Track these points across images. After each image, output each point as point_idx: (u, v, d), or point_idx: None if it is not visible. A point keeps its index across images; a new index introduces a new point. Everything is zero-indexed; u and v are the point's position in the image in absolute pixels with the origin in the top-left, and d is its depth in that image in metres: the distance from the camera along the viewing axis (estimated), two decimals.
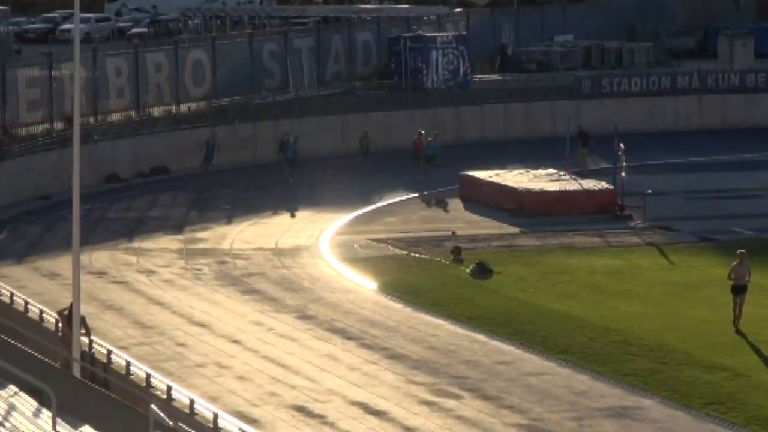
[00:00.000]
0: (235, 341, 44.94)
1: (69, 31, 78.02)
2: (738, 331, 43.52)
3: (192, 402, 32.81)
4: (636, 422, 36.98)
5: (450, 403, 38.39)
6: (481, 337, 44.76)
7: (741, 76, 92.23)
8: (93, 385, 31.71)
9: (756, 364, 42.38)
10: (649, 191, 64.96)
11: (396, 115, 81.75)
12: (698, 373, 41.22)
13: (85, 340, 37.91)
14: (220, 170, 71.92)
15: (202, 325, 46.67)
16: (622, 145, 66.00)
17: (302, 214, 64.98)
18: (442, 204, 63.33)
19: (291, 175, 66.74)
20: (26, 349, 30.18)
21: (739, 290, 44.04)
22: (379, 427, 36.49)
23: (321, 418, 37.15)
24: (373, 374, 41.26)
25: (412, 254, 56.93)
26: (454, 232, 59.08)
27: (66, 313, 37.67)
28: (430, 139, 67.33)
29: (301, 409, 37.57)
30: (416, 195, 70.43)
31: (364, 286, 52.81)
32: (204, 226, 62.48)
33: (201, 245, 59.58)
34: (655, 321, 47.01)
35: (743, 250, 45.55)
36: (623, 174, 65.24)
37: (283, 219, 64.55)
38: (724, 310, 47.67)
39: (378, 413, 37.55)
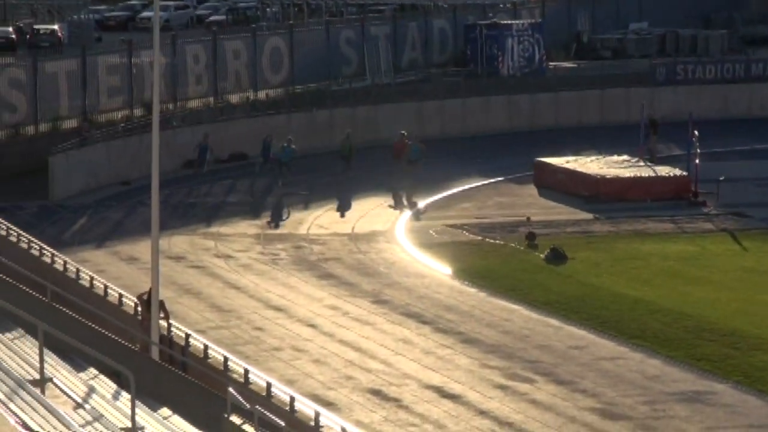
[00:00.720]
0: (312, 325, 45.25)
1: (149, 18, 78.41)
2: None
3: (269, 385, 33.02)
4: (708, 407, 37.14)
5: (524, 387, 38.73)
6: (554, 321, 44.99)
7: None
8: (171, 368, 33.19)
9: None
10: (722, 178, 64.77)
11: (471, 102, 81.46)
12: None
13: (163, 323, 38.49)
14: (301, 156, 70.93)
15: (278, 309, 47.06)
16: (696, 132, 65.96)
17: (377, 200, 65.11)
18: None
19: (285, 176, 62.95)
20: (106, 332, 30.84)
21: None
22: (453, 410, 36.92)
23: (396, 401, 37.56)
24: (448, 358, 41.66)
25: (487, 240, 57.10)
26: (528, 218, 59.09)
27: (145, 297, 38.43)
28: (410, 142, 64.06)
29: (376, 393, 38.05)
30: (492, 181, 69.88)
31: (439, 271, 52.92)
32: (281, 212, 63.00)
33: (278, 231, 59.87)
34: (728, 306, 47.03)
35: None
36: (697, 161, 65.12)
37: (359, 205, 64.34)
38: None
39: (453, 397, 37.96)
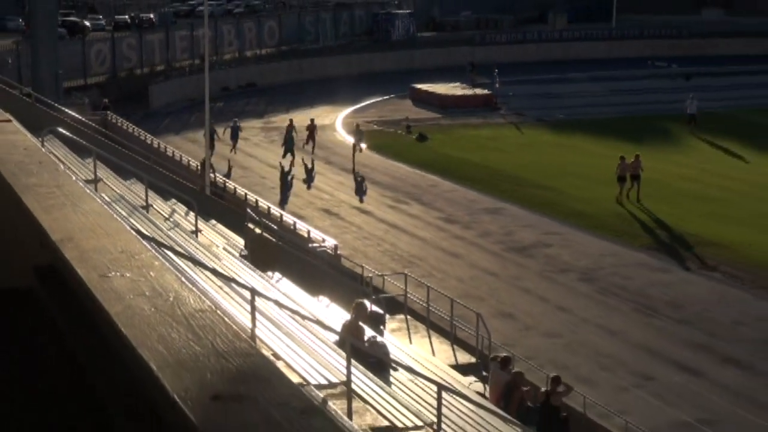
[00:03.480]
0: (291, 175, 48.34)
1: (201, 9, 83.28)
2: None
3: (269, 208, 35.39)
4: (502, 216, 41.07)
5: (403, 206, 42.39)
6: (421, 172, 48.36)
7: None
8: (216, 198, 35.94)
9: (570, 185, 45.59)
10: (511, 93, 69.10)
11: (375, 55, 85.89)
12: (533, 191, 44.99)
13: (212, 175, 40.49)
14: (287, 83, 73.79)
15: (272, 166, 49.59)
16: (497, 70, 69.70)
17: (325, 107, 66.88)
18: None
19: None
20: (181, 179, 32.56)
21: (624, 179, 42.62)
22: (366, 220, 40.59)
23: (337, 215, 40.94)
24: (363, 191, 45.11)
25: (384, 129, 60.03)
26: (407, 117, 61.74)
27: (201, 163, 40.60)
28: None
29: (326, 211, 41.63)
30: (388, 97, 71.92)
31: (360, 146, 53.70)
32: (274, 115, 65.12)
33: (273, 123, 61.98)
34: (513, 162, 50.25)
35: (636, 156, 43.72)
36: (497, 85, 69.38)
37: (320, 110, 65.98)
38: (555, 154, 51.76)
39: (367, 212, 41.70)
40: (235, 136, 51.19)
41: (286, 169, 49.58)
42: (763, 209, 40.50)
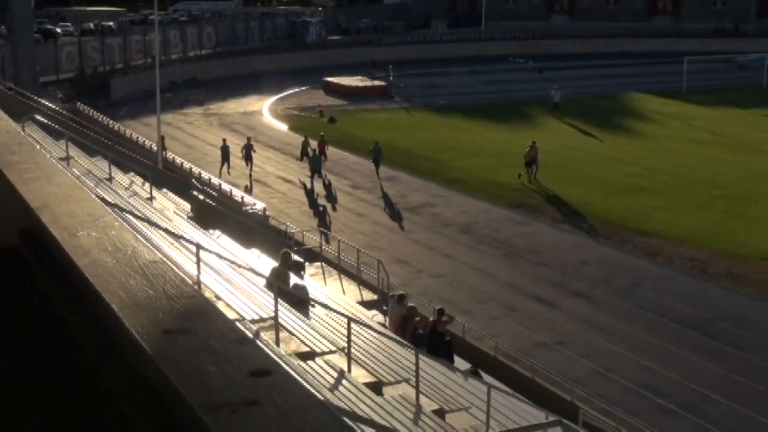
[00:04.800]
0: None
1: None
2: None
3: (209, 178, 35.79)
4: (397, 183, 40.59)
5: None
6: (332, 148, 44.92)
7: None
8: (167, 172, 35.19)
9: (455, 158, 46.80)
10: (402, 84, 69.00)
11: (294, 54, 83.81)
12: (422, 162, 44.33)
13: (165, 153, 40.27)
14: (227, 77, 72.43)
15: (211, 144, 48.26)
16: (391, 66, 71.07)
17: (254, 97, 65.80)
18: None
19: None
20: (138, 156, 31.73)
21: (530, 163, 40.53)
22: (291, 188, 40.19)
23: (265, 184, 40.30)
24: (284, 164, 44.33)
25: (302, 114, 59.06)
26: (320, 105, 60.90)
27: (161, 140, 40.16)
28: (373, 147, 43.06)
29: (257, 180, 40.70)
30: (305, 88, 70.77)
31: (281, 127, 55.24)
32: (213, 103, 64.12)
33: (212, 110, 61.45)
34: (405, 137, 49.91)
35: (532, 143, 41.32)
36: (391, 78, 69.54)
37: (250, 99, 65.47)
38: (438, 133, 51.43)
39: (289, 181, 41.18)
40: (248, 156, 41.83)
41: (315, 190, 40.40)
42: (601, 175, 41.13)
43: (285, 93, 69.15)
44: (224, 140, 42.92)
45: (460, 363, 18.72)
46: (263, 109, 62.49)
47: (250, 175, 41.52)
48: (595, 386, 20.68)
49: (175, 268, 2.49)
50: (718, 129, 53.46)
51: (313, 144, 43.38)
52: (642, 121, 56.63)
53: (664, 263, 29.68)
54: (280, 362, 2.86)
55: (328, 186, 40.67)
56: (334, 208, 37.12)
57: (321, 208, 37.21)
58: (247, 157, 41.64)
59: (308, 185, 40.47)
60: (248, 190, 39.24)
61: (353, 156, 46.39)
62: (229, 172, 40.79)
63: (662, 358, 22.49)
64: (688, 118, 57.33)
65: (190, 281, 2.43)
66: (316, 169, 40.88)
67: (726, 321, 24.91)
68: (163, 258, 2.51)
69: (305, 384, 2.89)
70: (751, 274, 28.57)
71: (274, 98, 66.62)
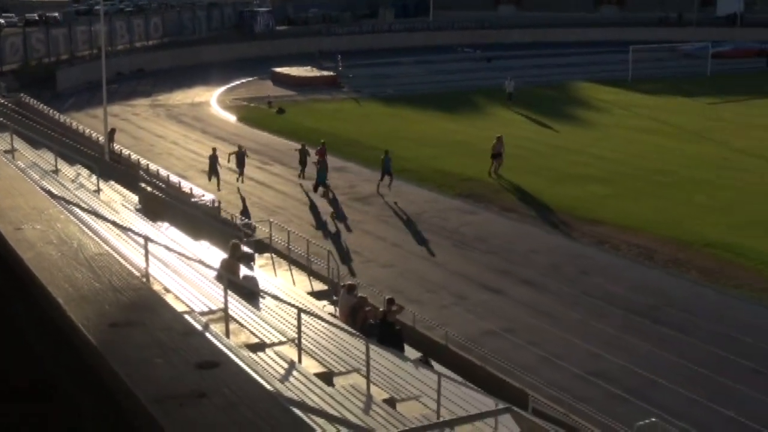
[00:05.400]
0: (174, 143, 47.56)
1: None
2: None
3: (158, 170, 35.50)
4: (346, 173, 40.29)
5: (271, 167, 41.93)
6: (281, 138, 47.74)
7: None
8: (114, 163, 35.27)
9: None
10: (351, 75, 69.22)
11: (242, 44, 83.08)
12: (371, 152, 43.42)
13: (112, 145, 40.12)
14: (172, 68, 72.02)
15: (159, 136, 49.15)
16: (339, 56, 70.79)
17: (202, 88, 65.66)
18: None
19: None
20: (84, 148, 30.78)
21: (496, 155, 39.48)
22: (225, 174, 39.43)
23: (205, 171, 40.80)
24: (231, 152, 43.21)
25: (251, 104, 58.92)
26: (269, 95, 60.34)
27: (110, 133, 39.82)
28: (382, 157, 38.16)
29: (200, 171, 39.80)
30: (253, 78, 70.40)
31: (231, 119, 55.22)
32: (160, 94, 63.65)
33: (159, 102, 61.04)
34: (354, 127, 50.00)
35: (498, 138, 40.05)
36: (340, 68, 69.48)
37: (198, 90, 65.09)
38: (386, 123, 51.29)
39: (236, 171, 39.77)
40: (241, 163, 38.15)
41: (325, 209, 35.50)
42: (549, 164, 41.38)
43: (233, 83, 68.95)
44: (213, 150, 38.32)
45: (411, 352, 18.77)
46: (211, 100, 62.23)
47: (238, 186, 37.66)
48: (545, 373, 20.87)
49: (122, 261, 2.48)
50: (663, 117, 54.10)
51: (312, 153, 39.39)
52: (589, 110, 57.13)
53: (612, 251, 29.99)
54: (229, 354, 2.85)
55: (276, 176, 40.66)
56: (283, 199, 36.96)
57: (270, 199, 36.89)
58: (239, 165, 37.95)
59: (316, 200, 37.16)
60: (245, 211, 34.35)
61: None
62: (219, 188, 36.40)
63: (610, 345, 22.72)
64: (633, 107, 57.98)
65: (137, 273, 2.41)
66: (321, 181, 36.43)
67: (672, 307, 25.24)
68: (110, 250, 2.49)
69: (254, 375, 2.88)
70: (696, 260, 29.00)
71: (222, 89, 66.41)
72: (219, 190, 36.10)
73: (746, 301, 25.84)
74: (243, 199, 35.51)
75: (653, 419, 16.19)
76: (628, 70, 68.72)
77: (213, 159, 37.44)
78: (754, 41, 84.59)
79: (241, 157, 38.02)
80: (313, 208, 35.65)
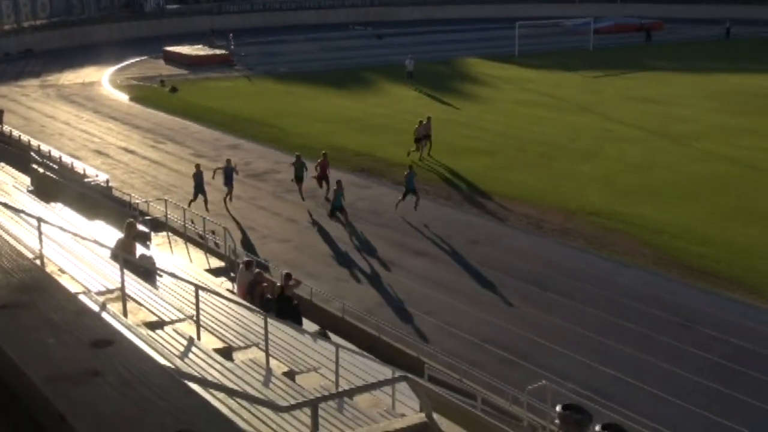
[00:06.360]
0: (66, 123, 46.47)
1: None
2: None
3: (49, 150, 35.48)
4: (241, 150, 40.32)
5: (161, 145, 41.35)
6: (174, 117, 47.47)
7: None
8: (4, 144, 35.25)
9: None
10: (243, 53, 69.32)
11: (135, 23, 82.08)
12: (264, 129, 43.95)
13: (2, 126, 39.53)
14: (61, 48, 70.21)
15: (51, 117, 47.95)
16: (231, 34, 71.19)
17: (93, 68, 64.81)
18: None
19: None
20: None
21: (421, 139, 38.04)
22: (133, 158, 39.27)
23: (106, 155, 39.56)
24: (126, 134, 43.27)
25: (143, 84, 58.11)
26: (161, 74, 60.43)
27: None
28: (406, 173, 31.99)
29: (98, 152, 40.09)
30: (144, 58, 69.80)
31: (123, 98, 54.11)
32: (50, 75, 62.21)
33: (49, 82, 59.72)
34: (247, 105, 49.38)
35: (428, 118, 38.73)
36: (232, 46, 69.47)
37: (89, 69, 64.03)
38: (279, 100, 51.01)
39: (132, 152, 40.21)
40: (229, 180, 31.93)
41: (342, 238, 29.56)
42: (440, 137, 41.27)
43: (124, 63, 68.07)
44: (197, 166, 32.26)
45: (309, 325, 18.80)
46: (103, 80, 61.31)
47: (226, 203, 32.12)
48: (439, 341, 21.12)
49: (12, 242, 2.42)
50: (548, 91, 54.96)
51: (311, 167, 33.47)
52: (478, 85, 57.70)
53: (502, 221, 30.32)
54: (125, 332, 2.82)
55: (170, 154, 39.94)
56: (178, 178, 36.32)
57: (165, 178, 36.28)
58: (227, 182, 31.92)
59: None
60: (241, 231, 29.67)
61: (196, 125, 46.05)
62: (207, 208, 30.76)
63: (501, 312, 23.12)
64: (520, 81, 58.74)
65: (30, 255, 2.35)
66: (338, 206, 30.50)
67: (560, 274, 25.72)
68: (1, 233, 2.42)
69: (149, 352, 2.85)
70: (581, 228, 29.60)
71: (113, 69, 65.54)
72: (207, 211, 30.14)
73: (629, 267, 26.43)
74: (237, 222, 30.22)
75: (543, 382, 16.51)
76: (515, 45, 69.47)
77: (198, 176, 31.43)
78: (633, 17, 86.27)
79: (229, 173, 31.85)
80: (209, 185, 35.13)
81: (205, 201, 31.05)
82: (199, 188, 31.18)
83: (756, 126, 44.11)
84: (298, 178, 32.45)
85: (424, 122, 38.75)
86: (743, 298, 24.06)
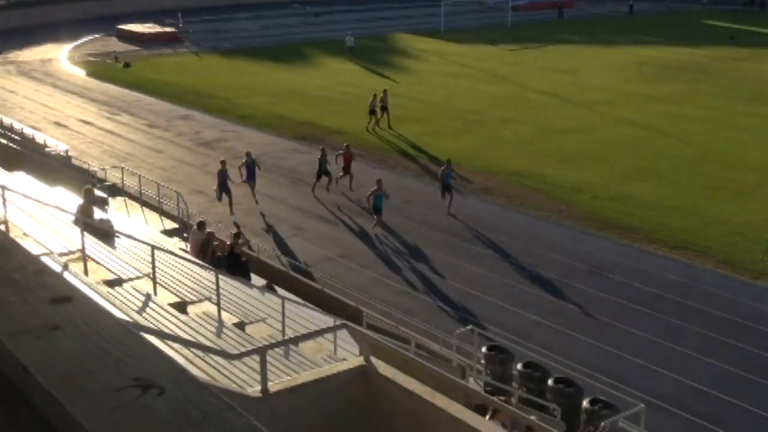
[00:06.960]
0: (29, 98, 44.94)
1: None
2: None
3: (11, 123, 34.25)
4: (191, 121, 39.74)
5: (119, 117, 40.48)
6: (128, 90, 46.38)
7: None
8: None
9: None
10: (191, 30, 67.71)
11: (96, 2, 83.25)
12: (213, 101, 43.04)
13: None
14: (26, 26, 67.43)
15: (12, 92, 46.54)
16: (180, 13, 69.41)
17: (51, 45, 62.72)
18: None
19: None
20: None
21: (375, 111, 36.90)
22: (90, 130, 38.34)
23: (65, 127, 38.56)
24: (84, 107, 42.43)
25: (98, 60, 56.83)
26: (115, 51, 58.97)
27: None
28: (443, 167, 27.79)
29: (58, 124, 39.04)
30: (99, 35, 67.84)
31: (80, 74, 52.69)
32: (10, 52, 60.30)
33: (9, 59, 58.07)
34: (196, 79, 48.26)
35: (384, 91, 37.64)
36: (181, 25, 67.65)
37: (47, 47, 62.07)
38: (225, 74, 50.37)
39: (89, 123, 39.28)
40: (251, 175, 27.41)
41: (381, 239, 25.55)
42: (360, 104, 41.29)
43: (81, 41, 66.48)
44: (222, 163, 27.49)
45: (257, 280, 18.75)
46: (61, 57, 59.84)
47: (255, 197, 28.05)
48: (376, 292, 21.22)
49: None
50: (471, 63, 55.09)
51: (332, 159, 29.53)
52: (407, 58, 57.64)
53: (430, 182, 30.42)
54: (84, 289, 2.79)
55: (125, 125, 39.15)
56: (133, 147, 35.66)
57: (121, 147, 35.64)
58: (249, 178, 27.51)
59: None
60: (268, 230, 26.08)
61: (149, 97, 45.34)
62: (231, 210, 26.67)
63: (432, 264, 23.28)
64: (446, 55, 58.79)
65: None
66: (379, 207, 25.59)
67: (483, 228, 25.99)
68: None
69: (106, 307, 2.83)
70: (502, 187, 29.92)
71: (70, 46, 64.04)
72: (232, 213, 26.49)
73: (546, 221, 26.76)
74: (263, 216, 27.19)
75: (470, 326, 16.67)
76: (441, 22, 69.45)
77: (222, 174, 26.79)
78: None
79: (251, 168, 27.45)
80: (162, 153, 34.86)
81: (230, 202, 26.67)
82: (224, 187, 26.62)
83: (660, 93, 44.72)
84: (323, 173, 28.66)
85: (381, 95, 38.04)
86: (645, 247, 24.51)
